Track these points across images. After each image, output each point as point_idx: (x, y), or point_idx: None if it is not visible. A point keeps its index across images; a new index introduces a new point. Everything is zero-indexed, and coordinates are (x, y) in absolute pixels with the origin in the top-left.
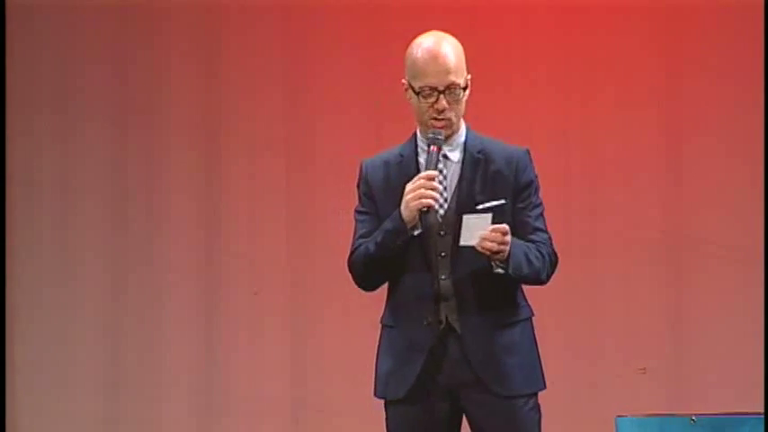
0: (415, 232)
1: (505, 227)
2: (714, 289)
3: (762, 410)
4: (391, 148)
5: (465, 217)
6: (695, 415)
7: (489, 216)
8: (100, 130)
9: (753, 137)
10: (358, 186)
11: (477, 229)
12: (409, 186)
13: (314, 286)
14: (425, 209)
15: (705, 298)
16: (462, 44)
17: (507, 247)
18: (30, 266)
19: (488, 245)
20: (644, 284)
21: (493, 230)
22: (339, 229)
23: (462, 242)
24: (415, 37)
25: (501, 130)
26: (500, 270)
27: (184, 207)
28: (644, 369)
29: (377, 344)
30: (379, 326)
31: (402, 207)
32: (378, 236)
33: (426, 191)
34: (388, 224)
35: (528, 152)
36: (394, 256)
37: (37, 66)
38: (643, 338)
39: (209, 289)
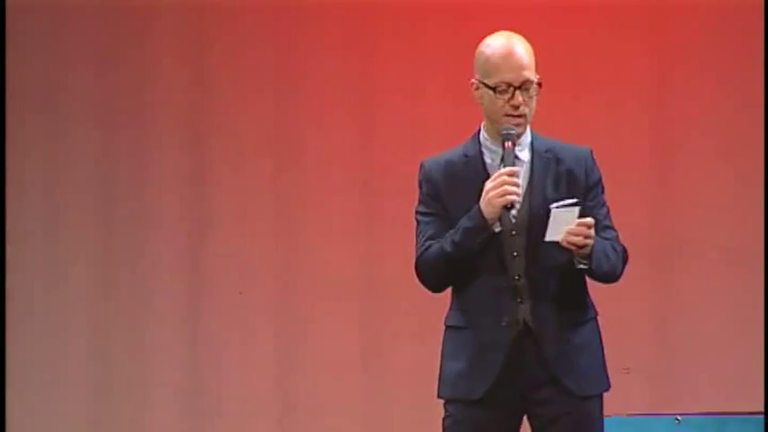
0: (496, 230)
1: (591, 220)
2: (700, 289)
3: (758, 410)
4: (453, 149)
5: (553, 210)
6: (680, 415)
7: (577, 209)
8: (88, 130)
9: (740, 137)
10: (420, 187)
11: (564, 223)
12: (490, 184)
13: (301, 286)
14: (510, 205)
15: (691, 298)
16: (451, 44)
17: (592, 242)
18: (19, 267)
19: (574, 239)
20: (629, 284)
21: (579, 224)
22: (327, 229)
23: (548, 237)
24: (402, 37)
25: None
26: (582, 266)
27: (172, 207)
28: (628, 369)
29: (435, 344)
30: (444, 327)
31: (483, 204)
32: (455, 235)
33: (510, 187)
34: (466, 222)
35: (592, 151)
36: (473, 254)
37: (26, 66)
38: (628, 338)
39: (196, 289)
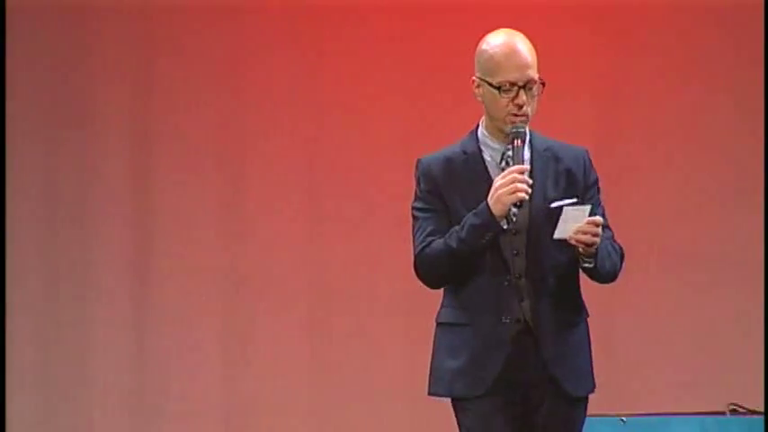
0: (505, 227)
1: (600, 220)
2: (644, 290)
3: (701, 410)
4: (449, 146)
5: (565, 208)
6: (625, 415)
7: (588, 208)
8: (33, 132)
9: (690, 138)
10: (417, 184)
11: (574, 222)
12: (500, 181)
13: (247, 287)
14: (519, 203)
15: (635, 299)
16: (395, 43)
17: (599, 240)
18: None
19: (583, 238)
20: None
21: (588, 223)
22: (272, 231)
23: (557, 235)
24: (345, 39)
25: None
26: (587, 264)
27: (119, 210)
28: None
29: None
30: (435, 324)
31: (492, 201)
32: (461, 232)
33: (521, 184)
34: (473, 219)
35: (588, 151)
36: (479, 251)
37: None
38: None
39: (143, 291)
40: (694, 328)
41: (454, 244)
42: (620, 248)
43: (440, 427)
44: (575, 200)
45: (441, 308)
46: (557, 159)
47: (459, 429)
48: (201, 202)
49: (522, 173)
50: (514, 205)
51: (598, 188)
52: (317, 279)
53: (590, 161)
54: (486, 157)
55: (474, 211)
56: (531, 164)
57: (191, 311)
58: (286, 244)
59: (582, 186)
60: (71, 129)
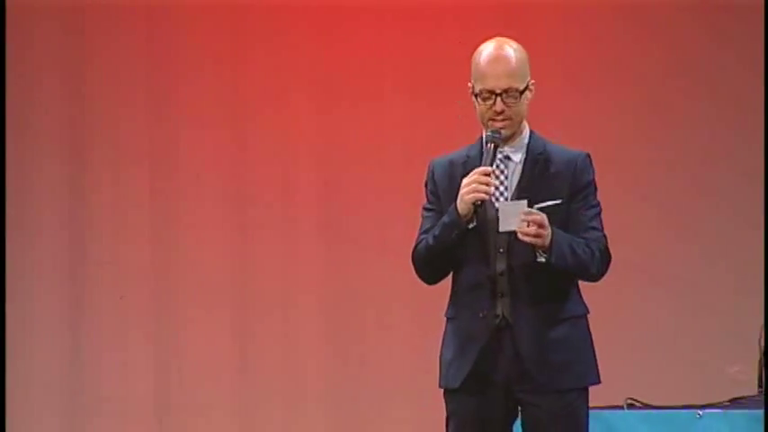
0: (470, 226)
1: (538, 215)
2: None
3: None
4: (460, 149)
5: (500, 204)
6: None
7: (524, 202)
8: None
9: (614, 145)
10: (425, 185)
11: (514, 216)
12: (465, 181)
13: (178, 291)
14: (479, 202)
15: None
16: (317, 55)
17: (546, 233)
18: None
19: (527, 230)
20: None
21: (524, 218)
22: (201, 236)
23: (501, 228)
24: (270, 49)
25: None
26: (542, 258)
27: (53, 215)
28: None
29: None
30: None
31: (458, 201)
32: (436, 230)
33: (480, 185)
34: (445, 218)
35: (588, 156)
36: (451, 248)
37: None
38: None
39: (77, 293)
40: (617, 327)
41: (431, 241)
42: (604, 251)
43: (360, 428)
44: (558, 202)
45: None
46: (548, 163)
47: (447, 422)
48: (133, 209)
49: (486, 174)
50: (474, 204)
51: (593, 191)
52: (243, 282)
53: (585, 165)
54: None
55: (449, 209)
56: (523, 167)
57: (124, 314)
58: (214, 249)
59: (569, 189)
60: (5, 137)
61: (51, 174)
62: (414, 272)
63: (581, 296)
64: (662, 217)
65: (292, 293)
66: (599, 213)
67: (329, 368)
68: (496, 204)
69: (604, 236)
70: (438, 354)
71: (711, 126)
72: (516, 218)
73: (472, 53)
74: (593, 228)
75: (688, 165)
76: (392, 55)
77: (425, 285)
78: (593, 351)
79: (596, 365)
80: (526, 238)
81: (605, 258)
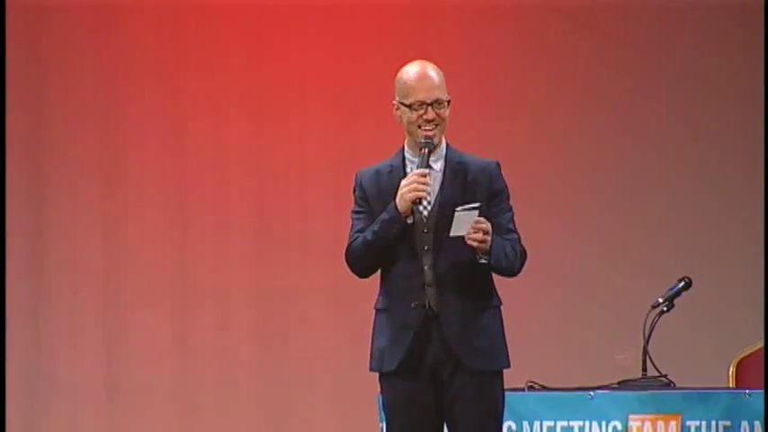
0: (409, 221)
1: (486, 224)
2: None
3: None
4: (383, 161)
5: (456, 211)
6: None
7: (476, 212)
8: None
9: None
10: (354, 192)
11: (466, 223)
12: (405, 181)
13: (125, 287)
14: (418, 200)
15: None
16: (250, 71)
17: (490, 239)
18: None
19: (474, 236)
20: None
21: (475, 226)
22: (145, 239)
23: (452, 233)
24: (213, 61)
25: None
26: (483, 261)
27: (17, 221)
28: None
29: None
30: (365, 311)
31: (398, 199)
32: (374, 226)
33: (419, 185)
34: (384, 215)
35: (498, 164)
36: (388, 243)
37: None
38: None
39: (36, 290)
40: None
41: (370, 236)
42: (523, 251)
43: (286, 412)
44: (478, 204)
45: (377, 296)
46: (465, 171)
47: (383, 401)
48: (87, 216)
49: (423, 176)
50: (413, 202)
51: (507, 196)
52: (182, 280)
53: (497, 172)
54: (408, 169)
55: (387, 208)
56: (443, 175)
57: (77, 308)
58: (157, 250)
59: (486, 194)
60: None
61: (14, 185)
62: (347, 267)
63: (495, 289)
64: (557, 219)
65: (226, 288)
66: (513, 216)
67: (258, 354)
68: (456, 211)
69: (519, 237)
70: (355, 342)
71: (599, 130)
72: (467, 224)
73: (387, 76)
74: (512, 230)
75: (582, 171)
76: (315, 77)
77: (342, 282)
78: (505, 338)
79: (507, 351)
80: (473, 243)
81: (524, 257)
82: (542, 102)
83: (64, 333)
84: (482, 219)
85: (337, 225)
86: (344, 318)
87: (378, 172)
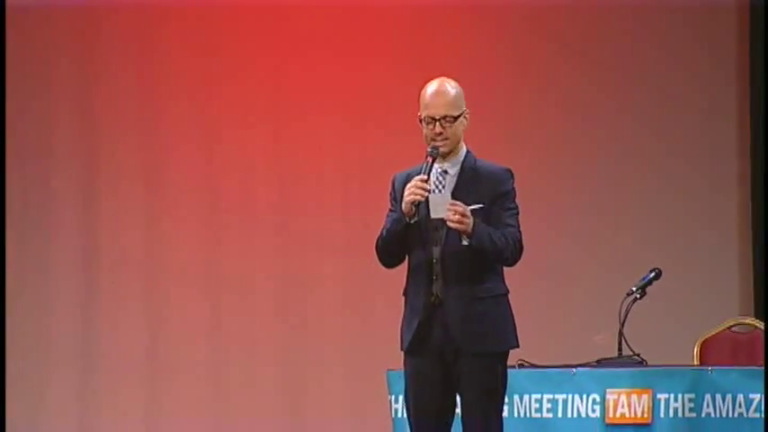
0: (412, 221)
1: (460, 207)
2: None
3: None
4: (418, 165)
5: (431, 196)
6: None
7: (448, 195)
8: None
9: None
10: (390, 194)
11: (440, 205)
12: (407, 186)
13: (163, 277)
14: (416, 203)
15: None
16: (280, 79)
17: (468, 221)
18: None
19: (452, 217)
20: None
21: (450, 207)
22: (183, 235)
23: (432, 215)
24: (240, 73)
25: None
26: (466, 242)
27: (64, 213)
28: None
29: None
30: None
31: (402, 202)
32: (387, 224)
33: (418, 189)
34: (393, 215)
35: (509, 170)
36: (397, 239)
37: None
38: None
39: (85, 279)
40: None
41: (384, 233)
42: (517, 241)
43: (304, 386)
44: (481, 206)
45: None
46: (477, 176)
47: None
48: (130, 200)
49: (423, 182)
50: (412, 204)
51: (511, 197)
52: (214, 270)
53: (506, 178)
54: (432, 173)
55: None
56: (457, 179)
57: (121, 292)
58: (191, 244)
59: (491, 195)
60: None
61: (65, 184)
62: (377, 259)
63: (503, 279)
64: (542, 218)
65: (251, 276)
66: (515, 214)
67: (279, 334)
68: (430, 197)
69: (519, 231)
70: (365, 324)
71: (581, 141)
72: (443, 207)
73: (393, 85)
74: (509, 224)
75: (564, 176)
76: (329, 86)
77: (352, 271)
78: (512, 322)
79: (515, 334)
80: (452, 225)
81: (518, 247)
82: (530, 111)
83: (111, 315)
84: (457, 201)
85: (349, 220)
86: (355, 303)
87: (409, 175)
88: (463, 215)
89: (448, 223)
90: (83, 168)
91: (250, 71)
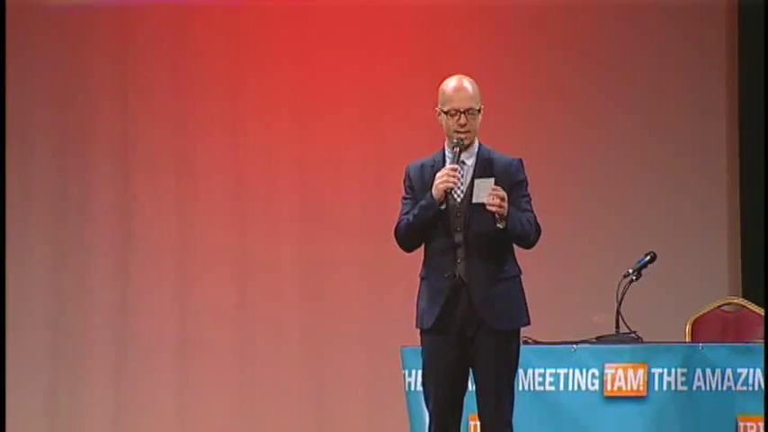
0: (442, 207)
1: (502, 192)
2: None
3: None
4: (429, 157)
5: (476, 180)
6: None
7: (492, 180)
8: None
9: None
10: (404, 182)
11: (484, 190)
12: (439, 174)
13: (194, 259)
14: (449, 189)
15: None
16: (303, 75)
17: (506, 205)
18: None
19: (492, 201)
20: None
21: (492, 192)
22: (211, 222)
23: (474, 200)
24: (267, 68)
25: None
26: (500, 225)
27: (100, 203)
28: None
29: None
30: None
31: (433, 189)
32: (415, 210)
33: (450, 177)
34: (422, 202)
35: (521, 161)
36: (425, 225)
37: None
38: None
39: (120, 264)
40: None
41: (411, 219)
42: (537, 225)
43: (326, 361)
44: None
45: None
46: (492, 166)
47: (421, 353)
48: (163, 190)
49: (454, 170)
50: (445, 191)
51: (525, 185)
52: (241, 253)
53: (518, 168)
54: (447, 163)
55: (426, 196)
56: (474, 169)
57: (154, 276)
58: (220, 229)
59: (508, 184)
60: None
61: (102, 176)
62: (396, 243)
63: (516, 261)
64: (545, 205)
65: (276, 260)
66: (530, 201)
67: (301, 314)
68: (476, 181)
69: (535, 216)
70: (382, 303)
71: (583, 133)
72: (485, 192)
73: (408, 84)
74: (528, 210)
75: (566, 166)
76: (348, 84)
77: (370, 255)
78: (525, 301)
79: (527, 312)
80: (492, 208)
81: (539, 231)
82: (533, 106)
83: (145, 298)
84: (498, 187)
85: (366, 207)
86: (372, 284)
87: (422, 165)
88: (503, 199)
89: (488, 207)
90: (119, 158)
91: (275, 68)
